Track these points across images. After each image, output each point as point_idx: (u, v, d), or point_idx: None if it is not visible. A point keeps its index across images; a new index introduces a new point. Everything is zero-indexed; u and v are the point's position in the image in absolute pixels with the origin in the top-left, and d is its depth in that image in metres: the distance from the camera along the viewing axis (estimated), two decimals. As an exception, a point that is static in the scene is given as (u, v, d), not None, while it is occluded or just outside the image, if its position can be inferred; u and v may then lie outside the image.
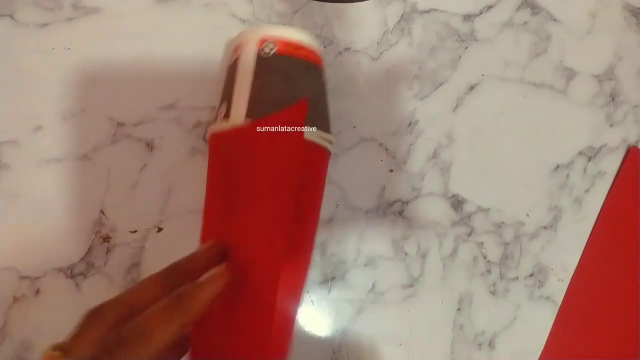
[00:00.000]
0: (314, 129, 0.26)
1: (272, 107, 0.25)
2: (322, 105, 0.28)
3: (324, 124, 0.28)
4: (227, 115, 0.26)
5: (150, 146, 0.32)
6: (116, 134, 0.32)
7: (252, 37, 0.27)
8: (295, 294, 0.26)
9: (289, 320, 0.26)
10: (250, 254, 0.24)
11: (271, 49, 0.27)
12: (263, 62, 0.27)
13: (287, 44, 0.27)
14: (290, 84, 0.27)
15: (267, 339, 0.23)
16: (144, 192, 0.31)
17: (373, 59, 0.36)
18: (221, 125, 0.26)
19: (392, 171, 0.35)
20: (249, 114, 0.25)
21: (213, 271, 0.23)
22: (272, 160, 0.25)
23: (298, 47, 0.27)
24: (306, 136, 0.25)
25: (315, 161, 0.27)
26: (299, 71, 0.27)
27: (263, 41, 0.27)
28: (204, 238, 0.27)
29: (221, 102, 0.28)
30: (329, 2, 0.36)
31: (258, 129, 0.25)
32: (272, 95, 0.26)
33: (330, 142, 0.28)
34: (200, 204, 0.32)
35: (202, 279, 0.22)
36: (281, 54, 0.27)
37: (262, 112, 0.25)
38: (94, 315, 0.19)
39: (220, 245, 0.25)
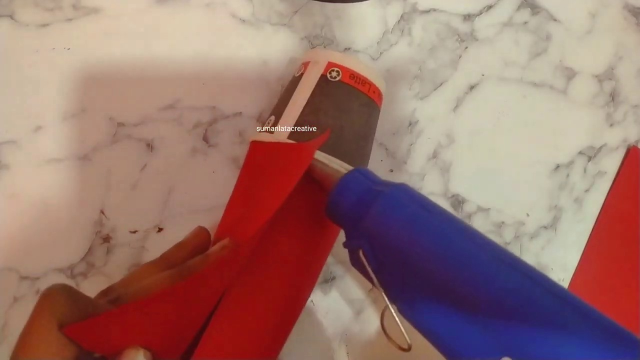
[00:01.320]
0: (348, 165, 0.26)
1: (316, 133, 0.26)
2: (365, 143, 0.29)
3: (362, 162, 0.28)
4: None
5: (150, 146, 0.32)
6: (116, 134, 0.32)
7: (322, 58, 0.28)
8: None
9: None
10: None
11: (336, 75, 0.27)
12: (324, 85, 0.27)
13: (353, 75, 0.27)
14: (342, 114, 0.27)
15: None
16: (144, 192, 0.31)
17: (373, 59, 0.36)
18: (264, 136, 0.27)
19: (392, 171, 0.35)
20: (292, 134, 0.26)
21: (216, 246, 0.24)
22: (278, 173, 0.25)
23: (362, 81, 0.28)
24: (340, 169, 0.25)
25: None
26: (355, 104, 0.27)
27: (331, 65, 0.28)
28: (218, 231, 0.28)
29: (272, 112, 0.29)
30: (329, 2, 0.36)
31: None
32: (319, 120, 0.26)
33: None
34: (200, 204, 0.32)
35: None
36: (344, 82, 0.27)
37: (304, 135, 0.26)
38: (98, 295, 0.21)
39: (206, 233, 0.26)
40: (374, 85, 0.28)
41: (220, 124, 0.33)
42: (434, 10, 0.38)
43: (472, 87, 0.38)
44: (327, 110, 0.27)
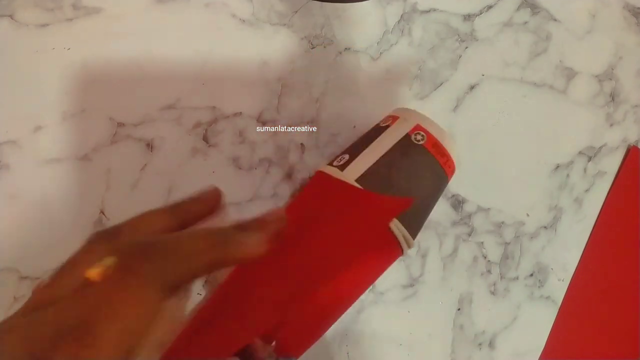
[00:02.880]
0: (403, 227, 0.26)
1: (383, 185, 0.26)
2: (425, 212, 0.29)
3: (414, 229, 0.28)
4: (343, 167, 0.27)
5: (150, 146, 0.32)
6: (116, 134, 0.32)
7: (412, 118, 0.28)
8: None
9: None
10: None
11: (420, 139, 0.28)
12: (406, 145, 0.27)
13: (436, 144, 0.28)
14: (413, 178, 0.27)
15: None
16: (144, 192, 0.31)
17: (373, 59, 0.36)
18: (333, 171, 0.27)
19: (392, 171, 0.35)
20: (360, 179, 0.26)
21: (270, 215, 0.21)
22: (347, 219, 0.25)
23: (442, 152, 0.28)
24: (392, 227, 0.26)
25: (385, 253, 0.27)
26: (428, 172, 0.28)
27: (418, 128, 0.28)
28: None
29: (347, 151, 0.29)
30: (329, 2, 0.36)
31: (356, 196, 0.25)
32: (391, 175, 0.27)
33: (408, 246, 0.28)
34: (200, 204, 0.32)
35: (259, 218, 0.20)
36: (425, 148, 0.27)
37: (372, 184, 0.26)
38: (101, 235, 0.18)
39: (219, 192, 0.24)
40: (452, 159, 0.28)
41: (220, 124, 0.33)
42: (434, 10, 0.38)
43: (472, 87, 0.38)
44: (401, 169, 0.27)
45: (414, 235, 0.28)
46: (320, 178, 0.28)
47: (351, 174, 0.27)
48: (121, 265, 0.16)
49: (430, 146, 0.27)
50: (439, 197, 0.30)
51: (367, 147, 0.28)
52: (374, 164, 0.27)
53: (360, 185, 0.26)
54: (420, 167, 0.27)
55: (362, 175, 0.26)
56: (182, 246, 0.17)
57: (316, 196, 0.28)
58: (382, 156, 0.27)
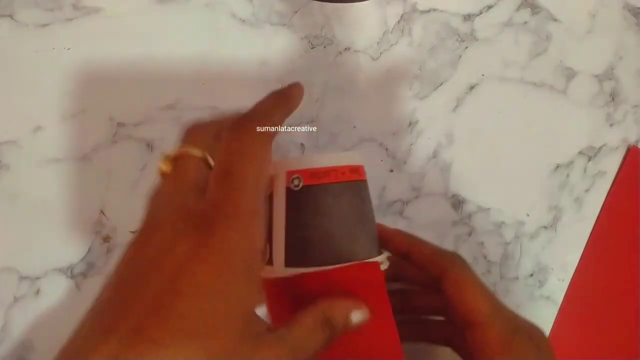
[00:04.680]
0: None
1: (307, 248, 0.25)
2: (362, 224, 0.27)
3: (366, 245, 0.26)
4: (270, 261, 0.26)
5: (150, 146, 0.32)
6: (116, 134, 0.32)
7: (281, 170, 0.26)
8: None
9: None
10: None
11: (298, 183, 0.26)
12: (293, 198, 0.26)
13: (312, 174, 0.26)
14: (320, 217, 0.25)
15: None
16: (144, 192, 0.31)
17: (373, 59, 0.36)
18: (267, 273, 0.26)
19: (392, 171, 0.35)
20: (287, 262, 0.25)
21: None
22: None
23: (324, 173, 0.26)
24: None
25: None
26: (329, 200, 0.26)
27: (290, 174, 0.26)
28: None
29: (267, 241, 0.27)
30: (329, 2, 0.36)
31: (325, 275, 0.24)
32: (304, 234, 0.25)
33: (381, 261, 0.26)
34: (200, 204, 0.32)
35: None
36: (308, 185, 0.26)
37: (299, 256, 0.25)
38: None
39: (301, 87, 0.27)
40: (339, 168, 0.26)
41: (220, 124, 0.33)
42: (434, 10, 0.38)
43: (472, 87, 0.38)
44: (306, 221, 0.25)
45: (373, 252, 0.26)
46: (267, 284, 0.27)
47: (279, 267, 0.25)
48: (239, 130, 0.22)
49: (310, 180, 0.26)
50: (363, 200, 0.28)
51: (272, 226, 0.26)
52: (286, 241, 0.25)
53: (290, 266, 0.25)
54: (319, 204, 0.26)
55: (286, 261, 0.25)
56: (270, 108, 0.24)
57: (280, 301, 0.26)
58: (286, 228, 0.26)
